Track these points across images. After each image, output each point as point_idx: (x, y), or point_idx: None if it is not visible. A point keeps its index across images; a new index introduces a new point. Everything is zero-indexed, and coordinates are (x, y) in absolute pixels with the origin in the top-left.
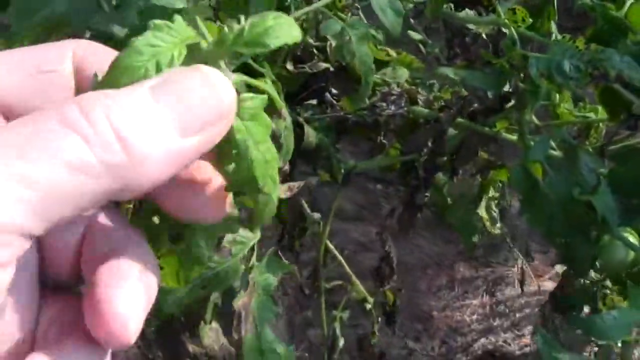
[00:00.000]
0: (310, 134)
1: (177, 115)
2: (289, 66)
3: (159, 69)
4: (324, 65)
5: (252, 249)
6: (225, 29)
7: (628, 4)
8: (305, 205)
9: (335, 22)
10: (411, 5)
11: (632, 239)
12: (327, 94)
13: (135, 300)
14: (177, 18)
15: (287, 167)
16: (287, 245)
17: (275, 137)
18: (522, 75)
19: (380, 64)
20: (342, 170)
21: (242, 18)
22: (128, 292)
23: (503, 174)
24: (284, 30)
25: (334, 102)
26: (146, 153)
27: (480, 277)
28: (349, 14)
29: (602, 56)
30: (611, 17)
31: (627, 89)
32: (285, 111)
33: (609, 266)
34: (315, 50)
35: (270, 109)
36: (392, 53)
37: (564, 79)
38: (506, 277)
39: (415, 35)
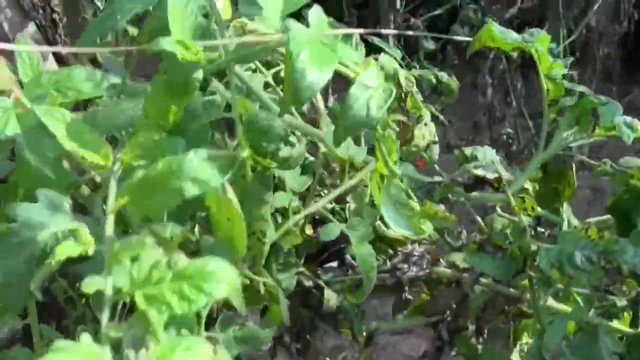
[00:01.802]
0: (331, 297)
1: None
2: (308, 230)
3: None
4: (342, 226)
5: None
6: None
7: None
8: None
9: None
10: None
11: None
12: (347, 256)
13: None
14: (84, 336)
15: None
16: None
17: None
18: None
19: None
20: (364, 333)
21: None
22: None
23: None
24: None
25: (354, 263)
26: None
27: None
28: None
29: (616, 248)
30: (632, 185)
31: None
32: None
33: None
34: None
35: None
36: (415, 205)
37: (576, 271)
38: None
39: None
